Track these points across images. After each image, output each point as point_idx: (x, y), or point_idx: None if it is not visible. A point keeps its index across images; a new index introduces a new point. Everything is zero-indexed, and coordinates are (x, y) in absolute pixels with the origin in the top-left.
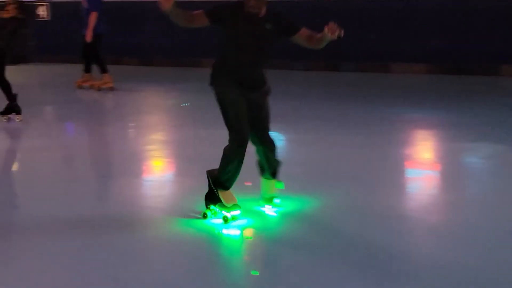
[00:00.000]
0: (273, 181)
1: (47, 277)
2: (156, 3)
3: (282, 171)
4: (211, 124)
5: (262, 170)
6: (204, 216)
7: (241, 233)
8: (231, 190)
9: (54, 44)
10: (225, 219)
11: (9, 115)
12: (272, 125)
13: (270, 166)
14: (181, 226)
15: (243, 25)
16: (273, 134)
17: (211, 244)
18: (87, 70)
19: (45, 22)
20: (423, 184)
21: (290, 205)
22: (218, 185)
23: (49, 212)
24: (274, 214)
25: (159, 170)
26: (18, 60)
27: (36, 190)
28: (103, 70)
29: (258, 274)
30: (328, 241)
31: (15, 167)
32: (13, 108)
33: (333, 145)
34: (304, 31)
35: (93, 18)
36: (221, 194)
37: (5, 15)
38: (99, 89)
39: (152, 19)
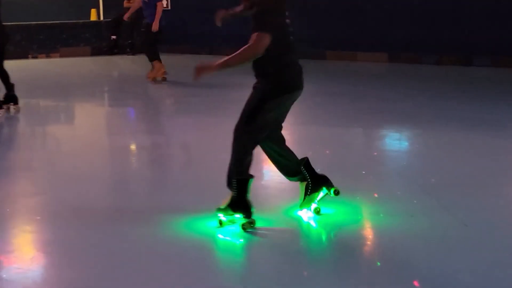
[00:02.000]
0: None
1: None
2: None
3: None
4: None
5: None
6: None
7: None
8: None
9: (176, 35)
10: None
11: (8, 104)
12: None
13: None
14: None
15: None
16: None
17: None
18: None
19: (167, 12)
20: None
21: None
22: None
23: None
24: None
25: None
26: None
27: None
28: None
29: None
30: None
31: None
32: (10, 98)
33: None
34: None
35: (160, 8)
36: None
37: (128, 4)
38: (154, 80)
39: None
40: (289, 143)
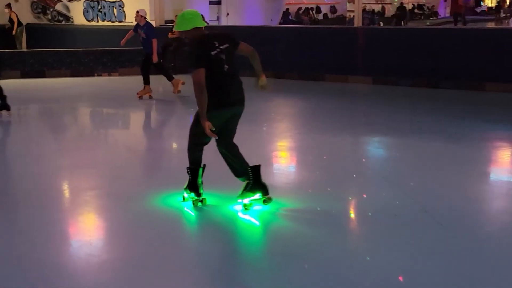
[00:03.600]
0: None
1: None
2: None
3: None
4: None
5: None
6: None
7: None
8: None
9: None
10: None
11: (1, 111)
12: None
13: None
14: None
15: None
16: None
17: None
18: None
19: None
20: None
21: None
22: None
23: None
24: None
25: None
26: (180, 70)
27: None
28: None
29: None
30: None
31: None
32: (4, 106)
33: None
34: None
35: (155, 44)
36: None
37: (171, 36)
38: (140, 98)
39: (284, 40)
40: (295, 150)
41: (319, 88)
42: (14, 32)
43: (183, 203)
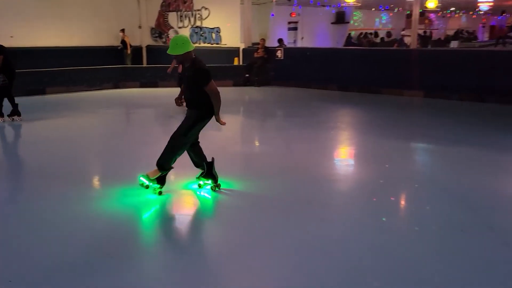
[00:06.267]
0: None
1: None
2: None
3: None
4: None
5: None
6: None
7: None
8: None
9: (285, 74)
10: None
11: (13, 117)
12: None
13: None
14: None
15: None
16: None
17: None
18: None
19: (281, 60)
20: None
21: None
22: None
23: None
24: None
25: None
26: (264, 83)
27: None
28: None
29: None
30: None
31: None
32: (15, 112)
33: None
34: (208, 90)
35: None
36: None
37: (257, 55)
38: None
39: (348, 59)
40: (359, 157)
41: (377, 100)
42: (128, 52)
43: (199, 189)
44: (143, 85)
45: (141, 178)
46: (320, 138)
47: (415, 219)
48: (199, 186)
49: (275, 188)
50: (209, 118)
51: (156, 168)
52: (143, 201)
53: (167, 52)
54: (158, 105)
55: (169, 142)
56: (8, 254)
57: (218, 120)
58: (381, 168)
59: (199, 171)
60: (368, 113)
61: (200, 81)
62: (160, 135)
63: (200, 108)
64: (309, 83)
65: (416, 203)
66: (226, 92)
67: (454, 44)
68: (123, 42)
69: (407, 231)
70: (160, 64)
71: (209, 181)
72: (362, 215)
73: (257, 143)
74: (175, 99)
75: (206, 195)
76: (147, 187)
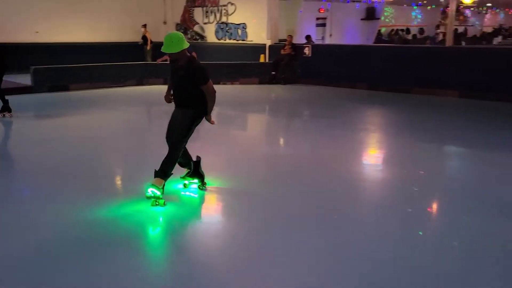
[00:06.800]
0: (155, 179)
1: None
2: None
3: None
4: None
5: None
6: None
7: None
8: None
9: (313, 72)
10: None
11: (4, 113)
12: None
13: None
14: None
15: (173, 72)
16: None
17: None
18: None
19: (308, 57)
20: None
21: None
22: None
23: None
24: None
25: None
26: (291, 82)
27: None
28: None
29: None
30: None
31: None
32: (6, 108)
33: None
34: (205, 88)
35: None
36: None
37: (283, 52)
38: None
39: (378, 57)
40: (390, 162)
41: (408, 100)
42: (148, 48)
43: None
44: (166, 81)
45: (153, 190)
46: (348, 140)
47: (451, 233)
48: (184, 185)
49: (298, 193)
50: (202, 118)
51: (158, 177)
52: (141, 208)
53: (162, 50)
54: None
55: (171, 149)
56: None
57: (208, 119)
58: (414, 174)
59: (184, 171)
60: (399, 114)
61: (199, 80)
62: None
63: (197, 107)
64: (337, 82)
65: (452, 214)
66: (251, 90)
67: (497, 40)
68: (144, 37)
69: (444, 247)
70: None
71: (196, 180)
72: (394, 227)
73: (281, 145)
74: (166, 96)
75: (192, 194)
76: (156, 201)
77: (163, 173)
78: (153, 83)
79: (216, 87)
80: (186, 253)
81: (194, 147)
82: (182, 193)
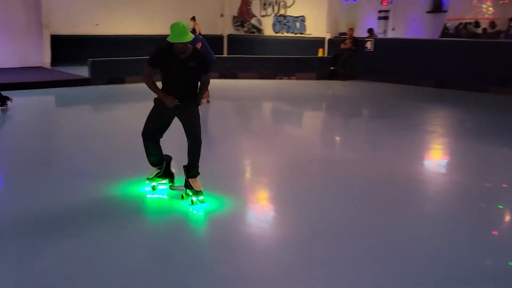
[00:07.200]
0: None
1: None
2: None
3: None
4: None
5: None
6: (182, 197)
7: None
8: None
9: (375, 68)
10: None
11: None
12: None
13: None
14: None
15: (173, 64)
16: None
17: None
18: None
19: (370, 52)
20: None
21: None
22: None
23: None
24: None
25: None
26: (351, 77)
27: None
28: None
29: None
30: None
31: None
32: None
33: None
34: (206, 79)
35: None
36: (192, 182)
37: (344, 46)
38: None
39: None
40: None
41: (481, 99)
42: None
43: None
44: (222, 76)
45: (201, 198)
46: (414, 145)
47: None
48: (153, 188)
49: (356, 203)
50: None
51: (193, 179)
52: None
53: (175, 40)
54: (235, 98)
55: (197, 148)
56: None
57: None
58: (495, 188)
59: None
60: (472, 115)
61: (207, 68)
62: (227, 131)
63: (196, 99)
64: (401, 78)
65: None
66: (308, 86)
67: None
68: (193, 31)
69: None
70: (240, 54)
71: (165, 181)
72: (477, 259)
73: (338, 147)
74: (168, 99)
75: (162, 196)
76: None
77: (195, 173)
78: (211, 77)
79: (271, 82)
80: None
81: (247, 147)
82: (149, 196)
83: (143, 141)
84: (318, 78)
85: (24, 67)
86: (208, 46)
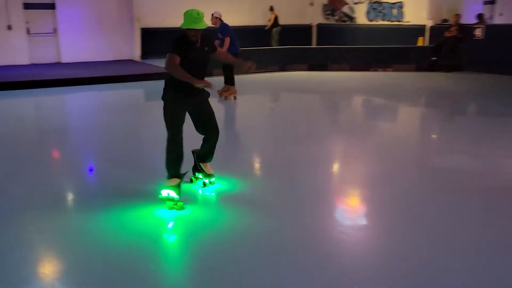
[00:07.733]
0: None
1: None
2: None
3: None
4: None
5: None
6: (191, 181)
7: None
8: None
9: (484, 58)
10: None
11: None
12: None
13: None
14: None
15: (192, 52)
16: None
17: None
18: (228, 82)
19: (479, 40)
20: None
21: None
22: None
23: None
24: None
25: None
26: (456, 69)
27: None
28: (231, 83)
29: None
30: None
31: None
32: None
33: None
34: (219, 50)
35: (227, 42)
36: (203, 166)
37: (448, 34)
38: (225, 98)
39: None
40: None
41: None
42: (266, 28)
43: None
44: (311, 67)
45: (212, 180)
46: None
47: None
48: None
49: (468, 220)
50: None
51: (206, 164)
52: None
53: (192, 27)
54: (322, 91)
55: (217, 137)
56: None
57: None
58: None
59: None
60: None
61: (213, 47)
62: (304, 130)
63: (236, 67)
64: None
65: None
66: (407, 78)
67: None
68: (275, 20)
69: None
70: (330, 44)
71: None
72: None
73: (441, 152)
74: (204, 81)
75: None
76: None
77: (208, 159)
78: (297, 69)
79: (365, 73)
80: None
81: (335, 149)
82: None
83: (170, 146)
84: (418, 69)
85: (116, 60)
86: (235, 39)
